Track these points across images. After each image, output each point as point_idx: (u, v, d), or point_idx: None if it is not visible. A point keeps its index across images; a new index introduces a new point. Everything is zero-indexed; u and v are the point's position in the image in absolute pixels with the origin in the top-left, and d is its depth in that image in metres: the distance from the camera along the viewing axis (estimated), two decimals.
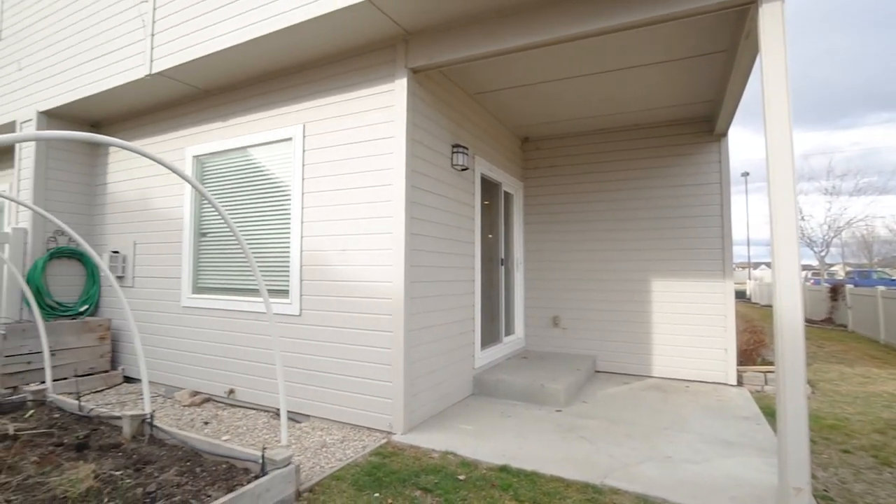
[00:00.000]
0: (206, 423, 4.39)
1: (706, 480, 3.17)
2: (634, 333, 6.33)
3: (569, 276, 6.80)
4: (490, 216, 6.16)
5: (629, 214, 6.46)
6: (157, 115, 5.89)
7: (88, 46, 5.60)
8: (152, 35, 4.98)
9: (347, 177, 4.35)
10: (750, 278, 29.15)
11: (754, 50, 3.55)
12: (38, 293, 5.66)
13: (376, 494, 2.93)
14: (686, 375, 5.99)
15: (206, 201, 5.37)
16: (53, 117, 6.15)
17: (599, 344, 6.52)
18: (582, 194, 6.76)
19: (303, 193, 4.58)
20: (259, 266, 4.09)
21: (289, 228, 4.67)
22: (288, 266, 4.64)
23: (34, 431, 3.51)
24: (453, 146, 4.94)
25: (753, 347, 6.47)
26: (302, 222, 4.57)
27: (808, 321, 13.86)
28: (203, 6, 4.58)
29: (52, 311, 5.77)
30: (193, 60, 4.63)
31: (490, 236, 6.16)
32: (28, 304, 5.56)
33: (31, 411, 4.00)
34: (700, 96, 5.44)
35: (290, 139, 4.70)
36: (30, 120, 6.13)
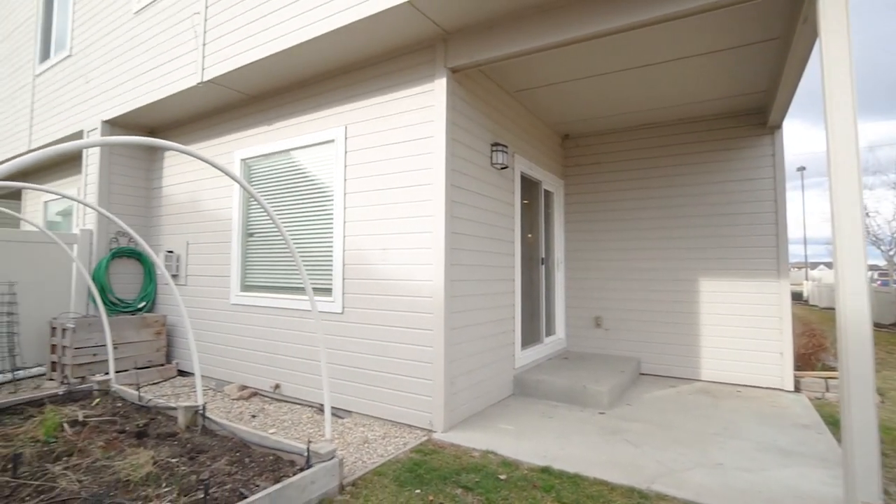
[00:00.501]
0: (254, 417, 4.56)
1: (762, 490, 3.01)
2: (681, 335, 6.09)
3: (611, 275, 6.63)
4: (530, 215, 6.09)
5: (675, 212, 6.23)
6: (207, 121, 6.18)
7: (146, 58, 5.95)
8: (203, 45, 5.24)
9: (388, 177, 4.41)
10: (807, 279, 27.44)
11: (812, 35, 3.35)
12: (102, 290, 6.05)
13: (417, 491, 2.95)
14: (737, 380, 5.71)
15: (253, 203, 5.59)
16: (115, 125, 6.58)
17: (644, 345, 6.32)
18: (625, 192, 6.58)
19: (345, 194, 4.68)
20: (303, 265, 4.21)
21: (331, 228, 4.78)
22: (331, 265, 4.75)
23: (100, 418, 3.77)
24: (493, 145, 4.92)
25: (812, 352, 6.09)
26: (344, 222, 4.67)
27: (876, 325, 12.87)
28: (251, 14, 4.77)
29: (113, 307, 6.16)
30: (241, 67, 4.83)
31: (530, 235, 6.09)
32: (93, 300, 5.96)
33: (98, 400, 4.28)
34: (752, 87, 5.17)
35: (332, 141, 4.82)
36: (95, 129, 6.59)
